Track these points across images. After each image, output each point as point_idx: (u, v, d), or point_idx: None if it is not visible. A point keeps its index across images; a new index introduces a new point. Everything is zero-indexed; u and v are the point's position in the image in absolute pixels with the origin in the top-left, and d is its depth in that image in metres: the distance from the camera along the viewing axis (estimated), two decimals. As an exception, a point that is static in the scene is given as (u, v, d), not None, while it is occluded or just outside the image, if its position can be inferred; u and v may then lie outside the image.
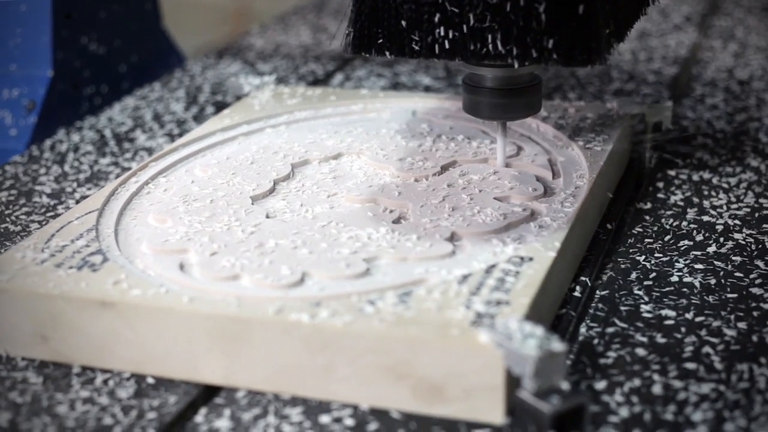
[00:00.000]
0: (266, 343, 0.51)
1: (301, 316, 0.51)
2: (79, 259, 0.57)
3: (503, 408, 0.49)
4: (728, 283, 0.60)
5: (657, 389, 0.51)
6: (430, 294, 0.53)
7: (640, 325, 0.57)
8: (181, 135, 0.87)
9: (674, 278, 0.61)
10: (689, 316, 0.57)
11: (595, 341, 0.55)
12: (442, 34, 0.58)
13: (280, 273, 0.55)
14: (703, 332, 0.56)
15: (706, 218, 0.69)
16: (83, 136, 0.88)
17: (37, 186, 0.77)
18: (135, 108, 0.95)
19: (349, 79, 1.02)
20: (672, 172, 0.76)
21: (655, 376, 0.52)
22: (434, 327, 0.50)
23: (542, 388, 0.47)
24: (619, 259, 0.64)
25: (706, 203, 0.71)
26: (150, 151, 0.84)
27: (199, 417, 0.51)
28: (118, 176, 0.78)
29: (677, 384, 0.51)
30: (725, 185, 0.74)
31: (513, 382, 0.49)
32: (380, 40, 0.60)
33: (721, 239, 0.66)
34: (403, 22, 0.59)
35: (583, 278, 0.62)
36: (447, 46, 0.58)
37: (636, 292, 0.60)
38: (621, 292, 0.60)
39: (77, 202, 0.74)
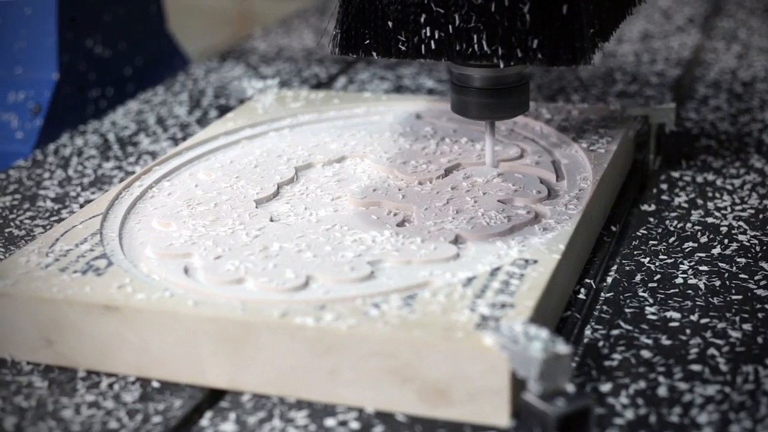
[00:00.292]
0: (271, 346, 0.51)
1: (305, 319, 0.51)
2: (83, 263, 0.57)
3: (508, 411, 0.49)
4: (733, 285, 0.60)
5: (662, 391, 0.51)
6: (435, 297, 0.53)
7: (644, 327, 0.57)
8: (184, 139, 0.87)
9: (679, 280, 0.61)
10: (694, 317, 0.57)
11: (600, 343, 0.55)
12: (429, 34, 0.59)
13: (285, 276, 0.55)
14: (708, 334, 0.56)
15: (710, 220, 0.69)
16: (87, 140, 0.88)
17: (41, 190, 0.77)
18: (138, 112, 0.95)
19: (352, 82, 1.02)
20: (676, 174, 0.76)
21: (661, 378, 0.52)
22: (439, 330, 0.50)
23: (547, 391, 0.47)
24: (623, 261, 0.64)
25: (710, 205, 0.71)
26: (154, 155, 0.84)
27: (205, 421, 0.51)
28: (122, 180, 0.78)
29: (682, 386, 0.51)
30: (729, 187, 0.74)
31: (518, 384, 0.49)
32: (367, 41, 0.60)
33: (726, 241, 0.66)
34: (390, 23, 0.59)
35: (587, 280, 0.62)
36: (433, 46, 0.59)
37: (641, 294, 0.60)
38: (625, 295, 0.60)
39: (81, 206, 0.74)
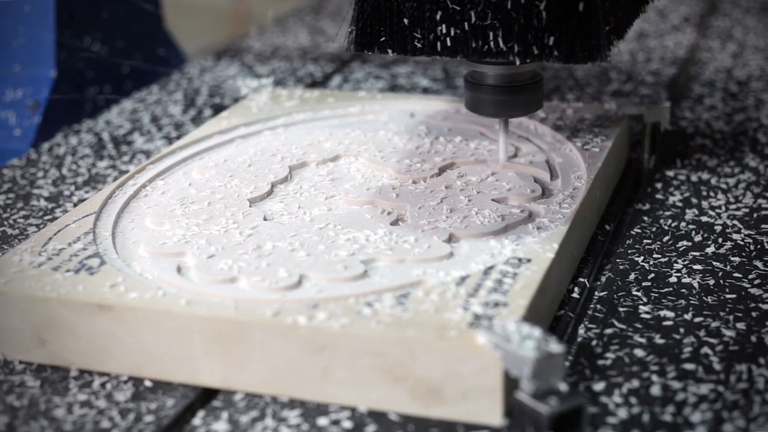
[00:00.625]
0: (264, 345, 0.51)
1: (298, 318, 0.51)
2: (76, 262, 0.57)
3: (501, 410, 0.49)
4: (727, 284, 0.60)
5: (656, 390, 0.51)
6: (428, 296, 0.53)
7: (638, 326, 0.56)
8: (178, 138, 0.86)
9: (673, 279, 0.61)
10: (688, 316, 0.57)
11: (594, 342, 0.55)
12: (444, 31, 0.59)
13: (278, 275, 0.55)
14: (702, 333, 0.56)
15: (704, 219, 0.69)
16: (81, 139, 0.88)
17: (35, 189, 0.77)
18: (133, 111, 0.95)
19: (347, 81, 1.02)
20: (670, 173, 0.76)
21: (654, 377, 0.52)
22: (432, 329, 0.50)
23: (540, 390, 0.47)
24: (617, 260, 0.64)
25: (704, 204, 0.71)
26: (148, 154, 0.84)
27: (197, 420, 0.51)
28: (115, 179, 0.78)
29: (676, 385, 0.51)
30: (724, 186, 0.74)
31: (511, 383, 0.49)
32: (382, 38, 0.60)
33: (720, 240, 0.66)
34: (405, 20, 0.59)
35: (581, 279, 0.62)
36: (449, 43, 0.59)
37: (634, 293, 0.60)
38: (619, 293, 0.60)
39: (75, 205, 0.74)
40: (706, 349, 0.54)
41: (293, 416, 0.51)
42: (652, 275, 0.62)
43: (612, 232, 0.68)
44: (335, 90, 0.96)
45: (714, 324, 0.56)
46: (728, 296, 0.59)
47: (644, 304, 0.58)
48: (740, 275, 0.61)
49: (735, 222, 0.68)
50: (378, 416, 0.50)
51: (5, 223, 0.71)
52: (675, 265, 0.63)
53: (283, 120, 0.79)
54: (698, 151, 0.80)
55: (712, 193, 0.72)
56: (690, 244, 0.65)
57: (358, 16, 0.61)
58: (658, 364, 0.53)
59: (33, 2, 0.97)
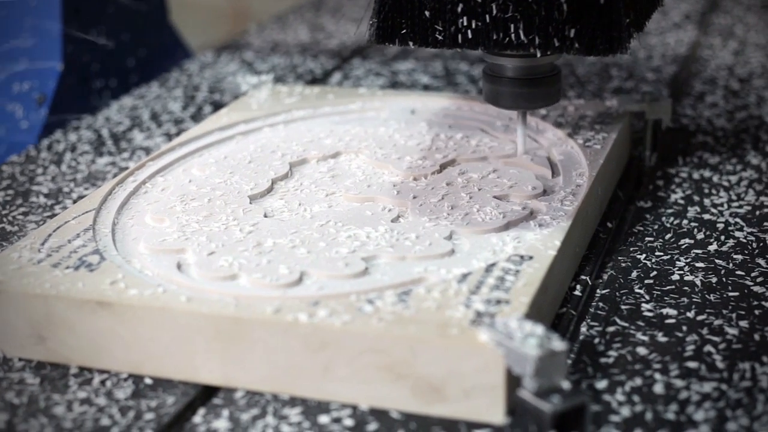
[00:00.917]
0: (264, 343, 0.51)
1: (299, 315, 0.51)
2: (75, 259, 0.57)
3: (503, 408, 0.49)
4: (729, 282, 0.60)
5: (658, 388, 0.51)
6: (430, 293, 0.52)
7: (641, 323, 0.56)
8: (178, 134, 0.86)
9: (675, 277, 0.61)
10: (690, 314, 0.57)
11: (596, 340, 0.55)
12: (465, 24, 0.59)
13: (279, 272, 0.55)
14: (705, 331, 0.55)
15: (706, 216, 0.69)
16: (80, 135, 0.88)
17: (34, 186, 0.77)
18: (132, 107, 0.95)
19: (347, 77, 1.02)
20: (672, 170, 0.76)
21: (657, 375, 0.52)
22: (433, 326, 0.49)
23: (543, 388, 0.46)
24: (619, 258, 0.64)
25: (706, 201, 0.71)
26: (147, 150, 0.84)
27: (198, 417, 0.51)
28: (115, 176, 0.78)
29: (679, 383, 0.51)
30: (726, 183, 0.73)
31: (513, 381, 0.49)
32: (404, 30, 0.60)
33: (722, 237, 0.65)
34: (427, 13, 0.59)
35: (583, 277, 0.61)
36: (470, 35, 0.59)
37: (637, 290, 0.60)
38: (622, 291, 0.60)
39: (74, 201, 0.74)
40: (709, 347, 0.54)
41: (294, 414, 0.50)
42: (655, 273, 0.61)
43: (614, 229, 0.68)
44: (335, 87, 0.95)
45: (717, 322, 0.56)
46: (731, 294, 0.59)
47: (647, 302, 0.58)
48: (743, 273, 0.61)
49: (737, 220, 0.68)
50: (379, 414, 0.50)
51: (4, 219, 0.71)
52: (677, 262, 0.63)
53: (283, 117, 0.79)
54: (700, 149, 0.80)
55: (714, 191, 0.72)
56: (692, 241, 0.65)
57: (380, 9, 0.61)
58: (660, 362, 0.53)
59: None
